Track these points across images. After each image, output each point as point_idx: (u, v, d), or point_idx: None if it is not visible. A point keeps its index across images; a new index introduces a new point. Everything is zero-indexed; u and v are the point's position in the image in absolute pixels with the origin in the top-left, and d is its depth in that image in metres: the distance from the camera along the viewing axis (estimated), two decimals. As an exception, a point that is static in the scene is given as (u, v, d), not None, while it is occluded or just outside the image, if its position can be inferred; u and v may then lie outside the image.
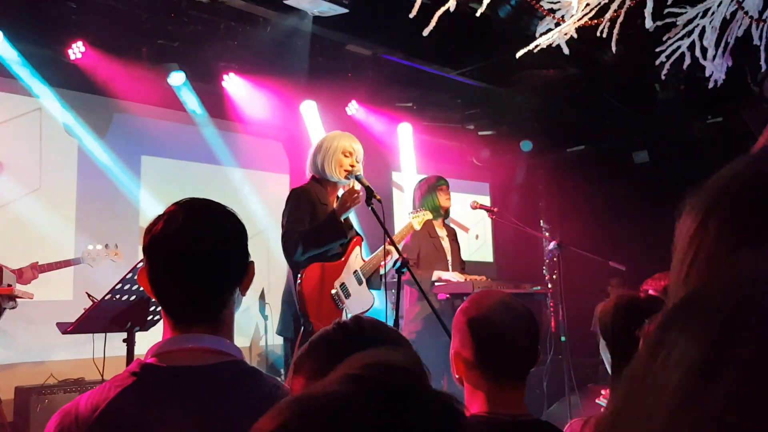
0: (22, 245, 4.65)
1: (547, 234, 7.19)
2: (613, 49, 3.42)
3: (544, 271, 7.93)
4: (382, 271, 3.57)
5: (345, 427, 0.59)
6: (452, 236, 4.72)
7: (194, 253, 1.31)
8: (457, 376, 1.64)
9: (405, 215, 6.06)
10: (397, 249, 3.41)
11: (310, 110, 6.20)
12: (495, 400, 1.57)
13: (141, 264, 2.67)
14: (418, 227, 4.15)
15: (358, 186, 3.49)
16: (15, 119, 5.05)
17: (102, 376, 3.16)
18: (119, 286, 2.77)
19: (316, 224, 3.38)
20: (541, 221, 7.82)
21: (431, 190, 4.55)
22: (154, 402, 1.23)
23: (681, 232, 0.80)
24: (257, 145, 6.34)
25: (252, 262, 1.39)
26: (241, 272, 1.37)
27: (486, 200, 7.97)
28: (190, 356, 1.28)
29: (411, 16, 3.10)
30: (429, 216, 4.30)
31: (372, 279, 3.62)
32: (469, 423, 1.55)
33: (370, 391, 0.61)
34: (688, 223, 0.80)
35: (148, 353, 1.31)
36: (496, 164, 8.11)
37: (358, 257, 3.60)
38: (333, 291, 3.41)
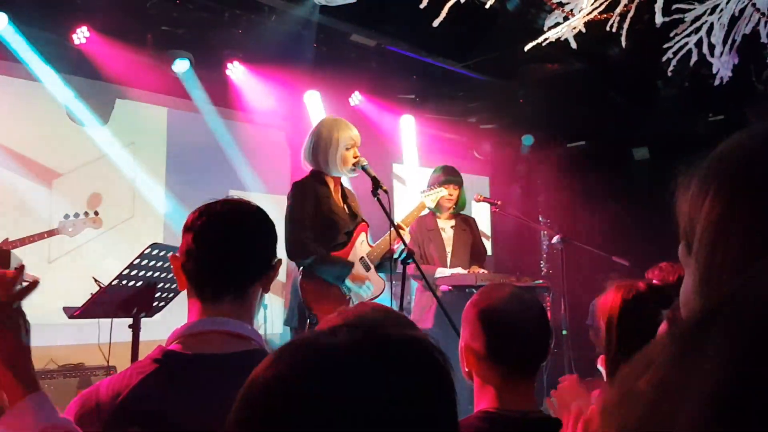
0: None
1: (545, 227, 7.21)
2: (623, 44, 3.42)
3: (541, 265, 7.97)
4: (395, 255, 3.52)
5: (341, 372, 0.63)
6: (462, 227, 4.61)
7: (230, 241, 1.43)
8: (466, 370, 1.63)
9: (406, 207, 6.08)
10: (403, 240, 3.41)
11: (313, 100, 6.19)
12: (505, 395, 1.55)
13: (149, 250, 2.67)
14: (431, 205, 4.17)
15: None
16: (17, 102, 5.04)
17: (107, 361, 3.16)
18: (126, 271, 2.76)
19: (331, 260, 3.37)
20: (540, 216, 7.85)
21: (440, 184, 4.48)
22: (177, 390, 1.23)
23: (701, 210, 0.74)
24: (260, 134, 6.33)
25: (279, 260, 1.50)
26: (268, 264, 1.47)
27: (486, 194, 7.98)
28: (214, 342, 1.29)
29: (422, 6, 3.09)
30: (443, 192, 4.30)
31: (382, 265, 3.60)
32: (478, 420, 1.55)
33: (363, 340, 0.66)
34: (709, 200, 0.74)
35: (171, 337, 1.31)
36: (497, 158, 8.11)
37: (364, 243, 3.58)
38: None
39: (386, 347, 0.66)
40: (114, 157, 5.44)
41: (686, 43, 3.80)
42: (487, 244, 7.96)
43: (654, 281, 2.35)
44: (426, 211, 4.31)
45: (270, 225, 1.50)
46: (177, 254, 1.44)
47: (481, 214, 7.62)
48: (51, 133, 5.20)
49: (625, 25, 3.48)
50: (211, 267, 1.42)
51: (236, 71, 5.67)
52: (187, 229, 1.45)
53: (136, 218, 5.56)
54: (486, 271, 4.47)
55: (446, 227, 4.56)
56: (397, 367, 0.65)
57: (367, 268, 3.55)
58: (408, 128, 7.03)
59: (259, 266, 1.46)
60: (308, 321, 3.23)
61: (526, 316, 1.61)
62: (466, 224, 4.62)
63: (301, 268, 3.35)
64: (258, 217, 1.50)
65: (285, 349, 0.68)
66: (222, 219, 1.45)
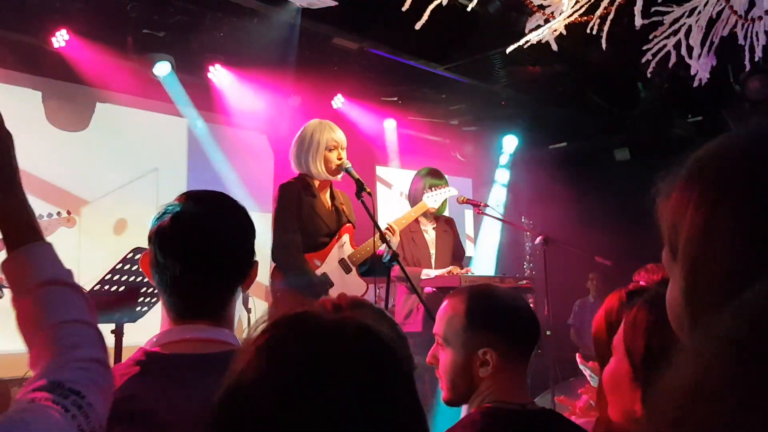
0: None
1: (527, 228, 7.25)
2: (603, 46, 3.45)
3: (524, 267, 8.01)
4: (384, 259, 3.51)
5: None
6: (444, 227, 4.62)
7: (201, 251, 1.29)
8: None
9: (389, 210, 6.09)
10: (386, 242, 3.40)
11: (295, 103, 6.18)
12: (503, 388, 1.55)
13: (131, 254, 2.64)
14: (435, 205, 4.19)
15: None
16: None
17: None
18: (108, 276, 2.74)
19: (302, 272, 3.34)
20: (523, 218, 7.90)
21: (422, 187, 4.48)
22: (162, 389, 1.21)
23: (685, 215, 0.72)
24: (242, 138, 6.31)
25: (256, 262, 1.38)
26: (246, 271, 1.36)
27: (468, 196, 8.00)
28: (193, 346, 1.27)
29: (404, 9, 3.10)
30: (454, 192, 4.34)
31: (373, 268, 3.59)
32: (480, 416, 1.54)
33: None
34: (693, 206, 0.72)
35: (148, 343, 1.29)
36: (479, 160, 8.15)
37: (346, 245, 3.57)
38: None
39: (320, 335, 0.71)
40: (94, 161, 5.39)
41: (665, 45, 3.84)
42: (471, 246, 7.99)
43: (641, 283, 2.38)
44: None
45: (248, 222, 1.37)
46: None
47: (464, 217, 7.65)
48: (29, 137, 5.14)
49: (606, 28, 3.51)
50: (181, 285, 1.29)
51: (218, 74, 5.64)
52: (150, 234, 1.31)
53: (117, 221, 5.50)
54: (470, 272, 4.48)
55: (428, 229, 4.56)
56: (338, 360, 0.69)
57: (348, 270, 3.54)
58: (391, 131, 7.04)
59: (237, 275, 1.34)
60: None
61: (520, 303, 1.67)
62: (447, 225, 4.63)
63: (272, 273, 3.37)
64: (235, 214, 1.36)
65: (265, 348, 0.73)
66: (192, 222, 1.30)
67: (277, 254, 3.38)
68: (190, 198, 1.34)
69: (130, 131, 5.65)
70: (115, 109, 5.55)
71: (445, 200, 4.50)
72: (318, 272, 3.43)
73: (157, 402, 1.19)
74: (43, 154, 5.16)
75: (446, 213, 4.73)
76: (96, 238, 5.17)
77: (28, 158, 4.98)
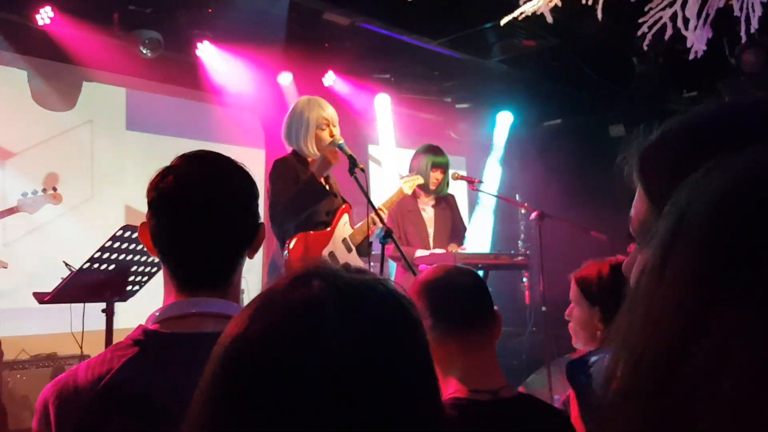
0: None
1: (523, 205, 7.21)
2: (599, 16, 3.39)
3: (519, 244, 7.98)
4: (371, 239, 3.51)
5: (317, 326, 0.63)
6: (443, 204, 4.58)
7: (206, 211, 1.21)
8: None
9: (382, 188, 6.02)
10: (381, 219, 3.36)
11: (286, 81, 6.09)
12: (470, 374, 1.47)
13: (120, 232, 2.59)
14: (408, 191, 4.11)
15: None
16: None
17: (81, 349, 3.08)
18: (98, 254, 2.68)
19: (297, 189, 3.29)
20: (517, 195, 7.85)
21: (425, 166, 4.43)
22: (161, 372, 1.14)
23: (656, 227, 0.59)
24: (232, 117, 6.22)
25: (262, 224, 1.31)
26: (253, 233, 1.28)
27: (462, 173, 7.95)
28: (196, 323, 1.19)
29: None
30: (420, 180, 4.25)
31: (360, 247, 3.56)
32: (448, 408, 1.49)
33: (328, 290, 0.66)
34: (689, 253, 0.54)
35: (149, 319, 1.21)
36: (472, 137, 8.09)
37: (346, 225, 3.53)
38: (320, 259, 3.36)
39: (357, 295, 0.67)
40: (76, 138, 5.29)
41: (661, 18, 3.79)
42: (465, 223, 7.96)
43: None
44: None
45: (252, 182, 1.29)
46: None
47: (458, 194, 7.61)
48: (14, 116, 5.04)
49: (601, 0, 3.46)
50: (183, 251, 1.21)
51: (206, 51, 5.54)
52: (150, 199, 1.23)
53: (96, 199, 5.41)
54: (465, 249, 4.45)
55: (426, 208, 4.52)
56: (369, 315, 0.66)
57: (349, 250, 3.51)
58: (383, 108, 6.96)
59: (244, 238, 1.26)
60: None
61: (462, 279, 1.59)
62: (446, 202, 4.59)
63: (285, 246, 3.29)
64: (237, 174, 1.28)
65: (260, 306, 0.67)
66: (194, 182, 1.22)
67: (275, 209, 3.28)
68: (190, 159, 1.27)
69: (115, 110, 5.55)
70: (102, 88, 5.45)
71: (448, 179, 4.48)
72: (325, 252, 3.38)
73: (155, 387, 1.12)
74: (30, 134, 5.07)
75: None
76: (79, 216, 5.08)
77: (15, 138, 4.92)
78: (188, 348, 1.16)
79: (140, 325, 1.22)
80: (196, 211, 1.21)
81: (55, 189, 4.12)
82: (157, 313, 1.22)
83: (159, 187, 1.23)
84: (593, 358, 1.51)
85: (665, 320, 0.48)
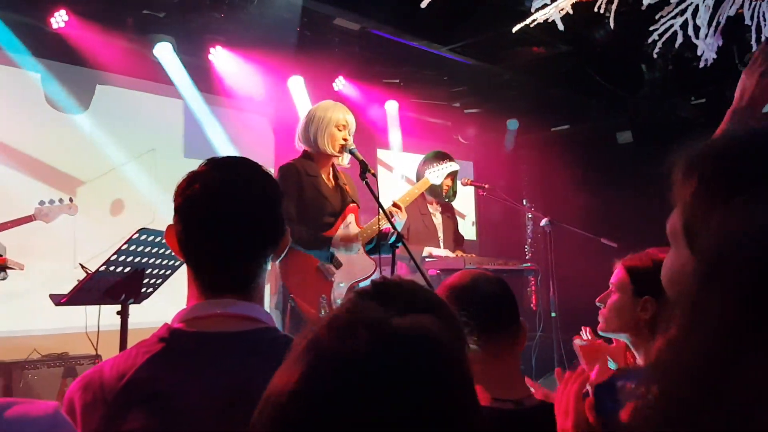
0: None
1: (532, 210, 7.23)
2: (611, 25, 3.42)
3: (526, 249, 8.00)
4: (390, 241, 3.51)
5: (364, 383, 0.63)
6: (448, 212, 4.68)
7: (231, 218, 1.24)
8: None
9: (390, 193, 6.05)
10: (391, 223, 3.39)
11: (297, 85, 6.13)
12: (493, 381, 1.47)
13: (137, 235, 2.62)
14: (438, 181, 4.22)
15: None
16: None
17: (96, 349, 3.12)
18: (114, 257, 2.72)
19: (308, 236, 3.34)
20: (524, 200, 7.87)
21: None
22: (184, 369, 1.17)
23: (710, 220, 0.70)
24: (242, 120, 6.26)
25: (287, 229, 1.33)
26: (277, 238, 1.31)
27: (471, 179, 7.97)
28: (220, 322, 1.21)
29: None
30: (455, 167, 4.32)
31: (377, 245, 3.59)
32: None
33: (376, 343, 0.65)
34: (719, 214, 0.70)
35: (175, 318, 1.24)
36: (481, 143, 8.11)
37: (352, 225, 3.57)
38: (318, 264, 3.39)
39: (398, 347, 0.66)
40: (96, 144, 5.35)
41: (672, 25, 3.81)
42: (473, 229, 7.99)
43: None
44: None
45: (277, 187, 1.31)
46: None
47: (467, 199, 7.63)
48: (28, 119, 5.09)
49: (613, 7, 3.48)
50: (209, 256, 1.24)
51: (219, 56, 5.59)
52: (177, 205, 1.26)
53: (121, 204, 5.47)
54: (473, 255, 4.49)
55: (436, 213, 4.63)
56: (409, 368, 0.65)
57: (350, 249, 3.55)
58: (392, 113, 6.99)
59: (269, 243, 1.28)
60: (288, 305, 3.22)
61: (488, 286, 1.60)
62: (449, 211, 4.71)
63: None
64: (263, 180, 1.29)
65: (310, 362, 0.67)
66: (221, 189, 1.24)
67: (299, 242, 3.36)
68: (215, 165, 1.29)
69: (130, 113, 5.60)
70: (115, 91, 5.50)
71: (456, 187, 4.53)
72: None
73: (178, 384, 1.14)
74: (43, 136, 5.12)
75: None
76: (93, 219, 5.14)
77: (28, 141, 4.97)
78: (212, 346, 1.19)
79: (165, 324, 1.25)
80: (221, 219, 1.24)
81: (71, 200, 4.21)
82: (183, 313, 1.25)
83: (185, 193, 1.26)
84: (620, 382, 1.50)
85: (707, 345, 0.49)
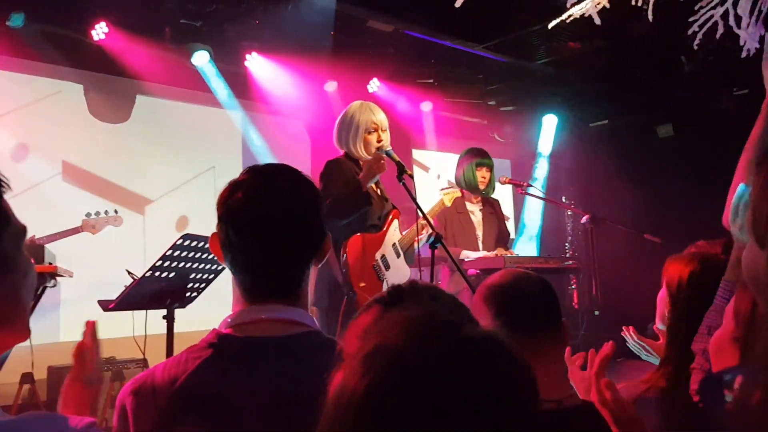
0: (48, 226, 4.67)
1: (572, 207, 7.14)
2: (650, 17, 3.36)
3: (566, 247, 7.91)
4: (416, 246, 3.51)
5: (432, 384, 0.64)
6: (489, 210, 4.59)
7: (274, 226, 1.25)
8: None
9: (426, 194, 6.04)
10: (430, 224, 3.38)
11: (332, 89, 6.17)
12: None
13: (180, 241, 2.67)
14: (448, 204, 4.12)
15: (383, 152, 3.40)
16: (38, 102, 5.07)
17: (143, 353, 3.18)
18: (159, 263, 2.77)
19: (340, 193, 3.30)
20: (564, 197, 7.78)
21: (470, 167, 4.47)
22: (234, 374, 1.18)
23: None
24: (279, 125, 6.32)
25: (328, 234, 1.34)
26: (318, 244, 1.32)
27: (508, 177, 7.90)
28: (266, 327, 1.23)
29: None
30: (458, 194, 4.26)
31: (407, 253, 3.58)
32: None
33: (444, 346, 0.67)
34: None
35: (222, 323, 1.26)
36: (517, 140, 8.05)
37: (396, 230, 3.56)
38: (374, 263, 3.39)
39: (468, 351, 0.68)
40: (137, 153, 5.47)
41: (712, 16, 3.73)
42: (512, 227, 7.93)
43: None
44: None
45: (317, 192, 1.34)
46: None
47: (504, 198, 7.58)
48: (70, 129, 5.22)
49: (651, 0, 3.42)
50: (252, 263, 1.26)
51: (255, 62, 5.66)
52: (220, 213, 1.28)
53: (158, 211, 5.58)
54: (513, 253, 4.45)
55: (475, 210, 4.55)
56: (481, 370, 0.67)
57: (398, 255, 3.54)
58: (427, 113, 6.99)
59: (311, 248, 1.30)
60: (346, 298, 3.19)
61: (530, 286, 1.59)
62: (492, 207, 4.61)
63: (342, 247, 3.31)
64: (304, 185, 1.31)
65: (371, 359, 0.68)
66: (264, 196, 1.25)
67: (326, 206, 3.30)
68: (257, 172, 1.30)
69: (173, 123, 5.71)
70: (155, 101, 5.61)
71: (494, 179, 4.49)
72: (377, 255, 3.41)
73: (229, 389, 1.16)
74: (91, 148, 5.26)
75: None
76: (161, 236, 5.27)
77: (78, 153, 5.11)
78: (260, 351, 1.21)
79: (214, 329, 1.26)
80: (264, 227, 1.26)
81: (116, 212, 4.42)
82: (230, 319, 1.27)
83: (228, 203, 1.27)
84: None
85: None
